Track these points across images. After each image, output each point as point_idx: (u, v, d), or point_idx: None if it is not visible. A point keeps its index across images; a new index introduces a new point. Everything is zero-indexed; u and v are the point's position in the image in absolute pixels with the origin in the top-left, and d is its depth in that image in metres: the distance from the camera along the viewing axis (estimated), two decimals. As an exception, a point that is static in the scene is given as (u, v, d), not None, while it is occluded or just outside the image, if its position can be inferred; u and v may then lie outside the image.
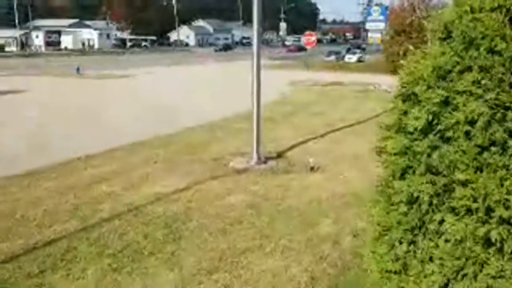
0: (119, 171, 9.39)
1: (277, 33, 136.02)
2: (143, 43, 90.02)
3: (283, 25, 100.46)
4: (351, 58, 47.32)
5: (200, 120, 14.88)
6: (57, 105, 19.18)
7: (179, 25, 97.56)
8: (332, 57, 48.51)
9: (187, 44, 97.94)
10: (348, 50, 53.54)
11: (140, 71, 35.60)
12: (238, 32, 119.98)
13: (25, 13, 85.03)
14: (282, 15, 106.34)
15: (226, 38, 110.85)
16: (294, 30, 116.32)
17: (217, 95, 21.48)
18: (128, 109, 18.01)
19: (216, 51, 78.41)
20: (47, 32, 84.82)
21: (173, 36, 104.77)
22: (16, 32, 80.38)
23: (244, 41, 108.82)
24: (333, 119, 15.43)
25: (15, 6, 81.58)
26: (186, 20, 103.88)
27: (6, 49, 74.67)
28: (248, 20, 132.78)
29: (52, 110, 17.75)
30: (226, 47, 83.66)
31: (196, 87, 25.76)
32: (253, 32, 10.09)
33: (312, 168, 9.33)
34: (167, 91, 24.13)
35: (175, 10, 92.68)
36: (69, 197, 7.80)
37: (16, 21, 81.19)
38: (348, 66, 41.06)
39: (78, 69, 32.78)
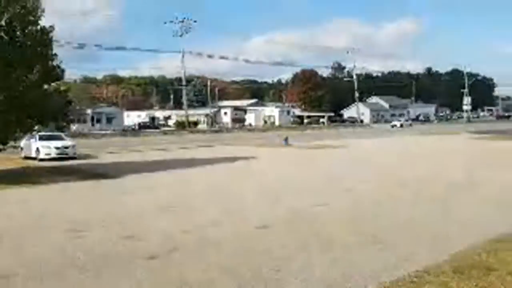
0: None
1: (452, 110, 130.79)
2: (321, 120, 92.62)
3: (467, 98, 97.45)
4: None
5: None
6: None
7: (355, 101, 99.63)
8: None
9: (362, 121, 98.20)
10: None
11: (336, 142, 35.81)
12: (412, 109, 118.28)
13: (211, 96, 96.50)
14: (465, 89, 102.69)
15: (402, 114, 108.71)
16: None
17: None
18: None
19: (392, 127, 77.27)
20: (235, 109, 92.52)
21: (346, 113, 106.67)
22: (208, 110, 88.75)
23: (421, 117, 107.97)
24: None
25: (208, 90, 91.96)
26: (361, 98, 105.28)
27: (199, 126, 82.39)
28: (418, 97, 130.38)
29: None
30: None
31: (414, 158, 24.83)
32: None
33: None
34: (386, 160, 23.53)
35: (355, 88, 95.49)
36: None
37: (209, 100, 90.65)
38: None
39: (286, 140, 34.50)
